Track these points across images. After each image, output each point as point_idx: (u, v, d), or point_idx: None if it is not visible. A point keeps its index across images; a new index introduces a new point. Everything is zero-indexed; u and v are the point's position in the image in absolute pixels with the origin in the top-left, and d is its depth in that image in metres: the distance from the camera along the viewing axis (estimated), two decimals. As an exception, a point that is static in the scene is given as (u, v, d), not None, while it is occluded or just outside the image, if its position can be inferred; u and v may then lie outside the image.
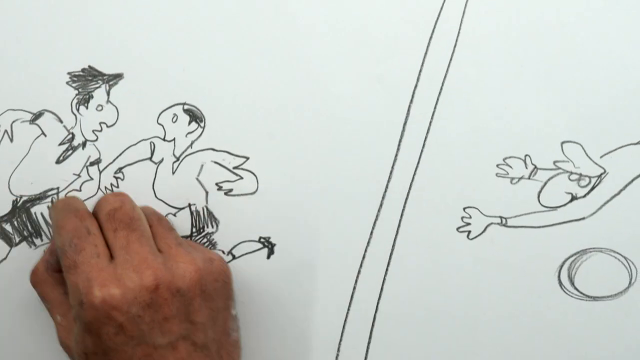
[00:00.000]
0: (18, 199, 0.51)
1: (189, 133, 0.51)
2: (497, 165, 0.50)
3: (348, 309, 0.53)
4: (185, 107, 0.51)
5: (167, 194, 0.52)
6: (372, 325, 0.53)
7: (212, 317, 0.49)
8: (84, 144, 0.51)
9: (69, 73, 0.50)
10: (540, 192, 0.50)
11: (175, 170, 0.51)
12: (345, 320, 0.54)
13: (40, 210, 0.51)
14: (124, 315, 0.45)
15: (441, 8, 0.49)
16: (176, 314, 0.47)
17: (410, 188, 0.52)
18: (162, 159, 0.51)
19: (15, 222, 0.51)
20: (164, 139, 0.51)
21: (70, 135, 0.51)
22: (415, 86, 0.50)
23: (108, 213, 0.49)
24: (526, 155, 0.50)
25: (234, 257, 0.52)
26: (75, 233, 0.47)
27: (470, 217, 0.51)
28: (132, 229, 0.48)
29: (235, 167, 0.51)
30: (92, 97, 0.50)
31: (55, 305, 0.50)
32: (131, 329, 0.46)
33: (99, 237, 0.48)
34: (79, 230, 0.48)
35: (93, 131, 0.51)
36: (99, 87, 0.50)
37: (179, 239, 0.50)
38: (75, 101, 0.50)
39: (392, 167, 0.51)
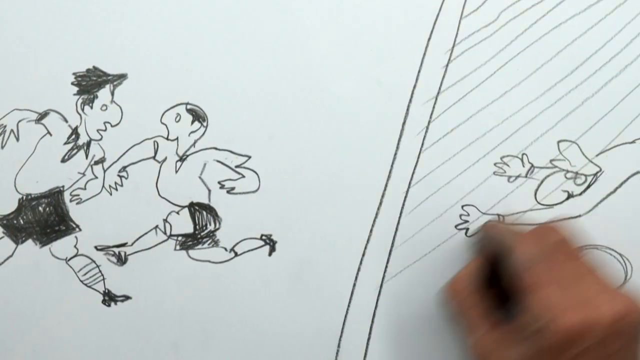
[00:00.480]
0: (24, 197, 0.51)
1: (191, 132, 0.51)
2: (495, 164, 0.51)
3: (348, 305, 0.54)
4: (188, 107, 0.51)
5: (171, 193, 0.52)
6: (372, 321, 0.53)
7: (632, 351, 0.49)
8: (88, 143, 0.51)
9: (74, 73, 0.50)
10: (537, 190, 0.51)
11: (179, 169, 0.52)
12: (346, 316, 0.54)
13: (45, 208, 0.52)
14: (585, 343, 0.45)
15: (439, 11, 0.50)
16: (621, 349, 0.47)
17: (409, 186, 0.52)
18: (166, 158, 0.51)
19: (21, 220, 0.51)
20: (167, 138, 0.51)
21: (75, 135, 0.51)
22: (414, 87, 0.50)
23: (557, 242, 0.49)
24: (523, 154, 0.51)
25: (236, 254, 0.52)
26: (540, 252, 0.48)
27: (469, 214, 0.52)
28: (578, 262, 0.49)
29: (237, 166, 0.52)
30: (97, 97, 0.51)
31: (475, 322, 0.50)
32: (588, 356, 0.46)
33: (555, 263, 0.48)
34: (543, 249, 0.48)
35: (97, 130, 0.51)
36: (103, 87, 0.51)
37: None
38: (80, 101, 0.51)
39: (392, 166, 0.52)
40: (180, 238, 0.52)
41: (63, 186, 0.51)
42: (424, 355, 0.54)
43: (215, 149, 0.52)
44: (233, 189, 0.52)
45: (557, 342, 0.46)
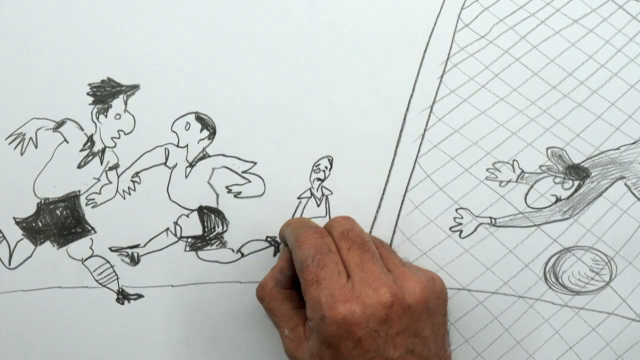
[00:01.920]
0: (42, 201, 0.52)
1: (200, 140, 0.52)
2: (487, 170, 0.52)
3: None
4: (197, 116, 0.52)
5: (181, 197, 0.53)
6: None
7: (434, 332, 0.49)
8: (103, 150, 0.52)
9: (89, 84, 0.51)
10: (527, 194, 0.52)
11: (188, 174, 0.52)
12: None
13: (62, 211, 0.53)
14: (363, 330, 0.46)
15: (434, 26, 0.51)
16: (406, 328, 0.47)
17: (406, 190, 0.53)
18: (176, 164, 0.52)
19: (40, 223, 0.52)
20: (177, 146, 0.52)
21: (91, 142, 0.52)
22: (411, 96, 0.51)
23: (342, 233, 0.49)
24: (514, 160, 0.52)
25: (242, 255, 0.53)
26: (317, 249, 0.48)
27: (462, 217, 0.52)
28: (364, 249, 0.49)
29: (243, 172, 0.52)
30: (111, 106, 0.51)
31: (283, 319, 0.50)
32: (368, 343, 0.46)
33: (337, 255, 0.49)
34: (320, 246, 0.48)
35: (112, 138, 0.52)
36: (117, 97, 0.51)
37: (402, 260, 0.51)
38: (95, 110, 0.51)
39: (390, 171, 0.52)
40: (189, 240, 0.53)
41: (79, 191, 0.52)
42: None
43: (223, 155, 0.52)
44: (240, 193, 0.52)
45: (333, 334, 0.46)
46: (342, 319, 0.45)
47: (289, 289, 0.51)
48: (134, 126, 0.52)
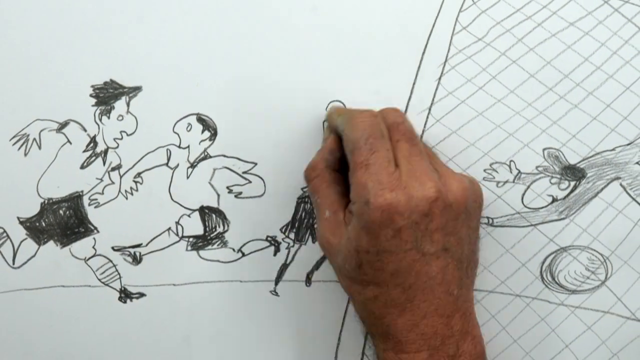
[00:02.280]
0: (46, 201, 0.53)
1: (202, 141, 0.52)
2: (484, 170, 0.52)
3: (348, 301, 0.55)
4: (199, 117, 0.52)
5: (182, 197, 0.53)
6: None
7: (469, 234, 0.49)
8: (106, 151, 0.52)
9: (92, 86, 0.52)
10: (523, 194, 0.53)
11: (190, 175, 0.53)
12: (346, 310, 0.55)
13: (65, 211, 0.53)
14: (405, 220, 0.45)
15: (432, 28, 0.51)
16: (444, 226, 0.47)
17: None
18: (178, 165, 0.53)
19: (43, 223, 0.53)
20: (179, 146, 0.52)
21: (94, 143, 0.52)
22: (409, 98, 0.52)
23: (392, 124, 0.48)
24: (511, 161, 0.52)
25: (243, 255, 0.54)
26: (371, 132, 0.47)
27: None
28: (413, 143, 0.48)
29: (244, 172, 0.53)
30: (114, 108, 0.52)
31: (326, 200, 0.49)
32: (407, 234, 0.45)
33: (389, 142, 0.48)
34: (375, 130, 0.47)
35: (114, 139, 0.52)
36: (120, 99, 0.52)
37: (444, 163, 0.52)
38: (98, 112, 0.52)
39: None
40: (191, 239, 0.54)
41: (82, 191, 0.53)
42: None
43: (224, 156, 0.53)
44: (240, 193, 0.53)
45: (374, 220, 0.45)
46: (386, 206, 0.45)
47: (336, 171, 0.50)
48: (136, 127, 0.52)
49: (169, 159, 0.53)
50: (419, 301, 0.47)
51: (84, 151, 0.53)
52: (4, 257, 0.53)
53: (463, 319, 0.48)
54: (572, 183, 0.52)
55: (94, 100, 0.52)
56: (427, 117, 0.52)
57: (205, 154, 0.53)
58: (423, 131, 0.52)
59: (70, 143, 0.52)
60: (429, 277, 0.47)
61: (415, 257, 0.46)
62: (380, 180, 0.45)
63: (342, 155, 0.50)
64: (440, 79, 0.52)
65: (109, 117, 0.52)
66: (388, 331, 0.48)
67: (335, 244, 0.48)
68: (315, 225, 0.50)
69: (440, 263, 0.47)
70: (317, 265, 0.55)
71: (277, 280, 0.54)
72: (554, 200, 0.53)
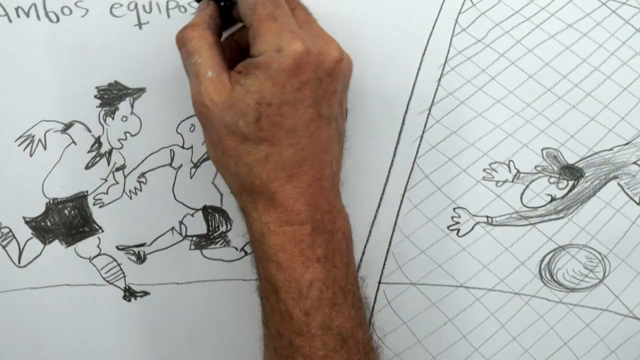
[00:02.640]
0: (51, 201, 0.53)
1: (204, 141, 0.53)
2: (484, 170, 0.53)
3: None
4: None
5: (186, 197, 0.54)
6: (372, 314, 0.56)
7: (343, 110, 0.49)
8: (110, 152, 0.53)
9: (96, 87, 0.52)
10: (522, 193, 0.53)
11: (193, 175, 0.53)
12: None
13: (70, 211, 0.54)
14: (311, 74, 0.44)
15: (432, 30, 0.52)
16: (340, 92, 0.46)
17: (405, 190, 0.54)
18: (181, 165, 0.53)
19: (49, 222, 0.53)
20: (182, 147, 0.53)
21: (98, 144, 0.53)
22: (410, 99, 0.52)
23: None
24: (510, 161, 0.53)
25: (246, 254, 0.54)
26: None
27: (460, 216, 0.54)
28: (308, 12, 0.48)
29: None
30: (118, 109, 0.52)
31: (209, 61, 0.46)
32: (310, 90, 0.44)
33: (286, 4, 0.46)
34: None
35: (119, 140, 0.53)
36: (124, 100, 0.52)
37: None
38: (102, 113, 0.52)
39: (389, 171, 0.54)
40: (194, 238, 0.54)
41: (87, 191, 0.53)
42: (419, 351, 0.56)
43: None
44: None
45: (285, 68, 0.43)
46: (299, 54, 0.43)
47: (216, 36, 0.48)
48: (140, 128, 0.53)
49: (172, 159, 0.53)
50: (307, 167, 0.46)
51: (89, 152, 0.53)
52: (9, 257, 0.54)
53: (336, 196, 0.48)
54: (571, 182, 0.53)
55: (98, 102, 0.52)
56: (427, 118, 0.53)
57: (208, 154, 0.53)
58: (423, 132, 0.53)
59: (75, 144, 0.53)
60: (320, 142, 0.46)
61: (314, 116, 0.45)
62: (292, 30, 0.44)
63: (222, 24, 0.48)
64: (440, 80, 0.52)
65: (113, 118, 0.53)
66: (274, 199, 0.46)
67: (221, 103, 0.45)
68: (191, 89, 0.47)
69: (331, 131, 0.46)
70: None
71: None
72: (553, 199, 0.53)
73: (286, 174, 0.45)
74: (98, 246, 0.54)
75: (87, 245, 0.54)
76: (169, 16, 0.51)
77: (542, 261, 0.54)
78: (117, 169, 0.53)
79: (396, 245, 0.54)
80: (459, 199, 0.53)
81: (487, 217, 0.53)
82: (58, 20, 0.51)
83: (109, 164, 0.53)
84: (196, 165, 0.53)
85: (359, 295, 0.50)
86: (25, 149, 0.52)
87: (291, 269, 0.46)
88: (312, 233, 0.46)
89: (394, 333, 0.56)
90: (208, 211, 0.54)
